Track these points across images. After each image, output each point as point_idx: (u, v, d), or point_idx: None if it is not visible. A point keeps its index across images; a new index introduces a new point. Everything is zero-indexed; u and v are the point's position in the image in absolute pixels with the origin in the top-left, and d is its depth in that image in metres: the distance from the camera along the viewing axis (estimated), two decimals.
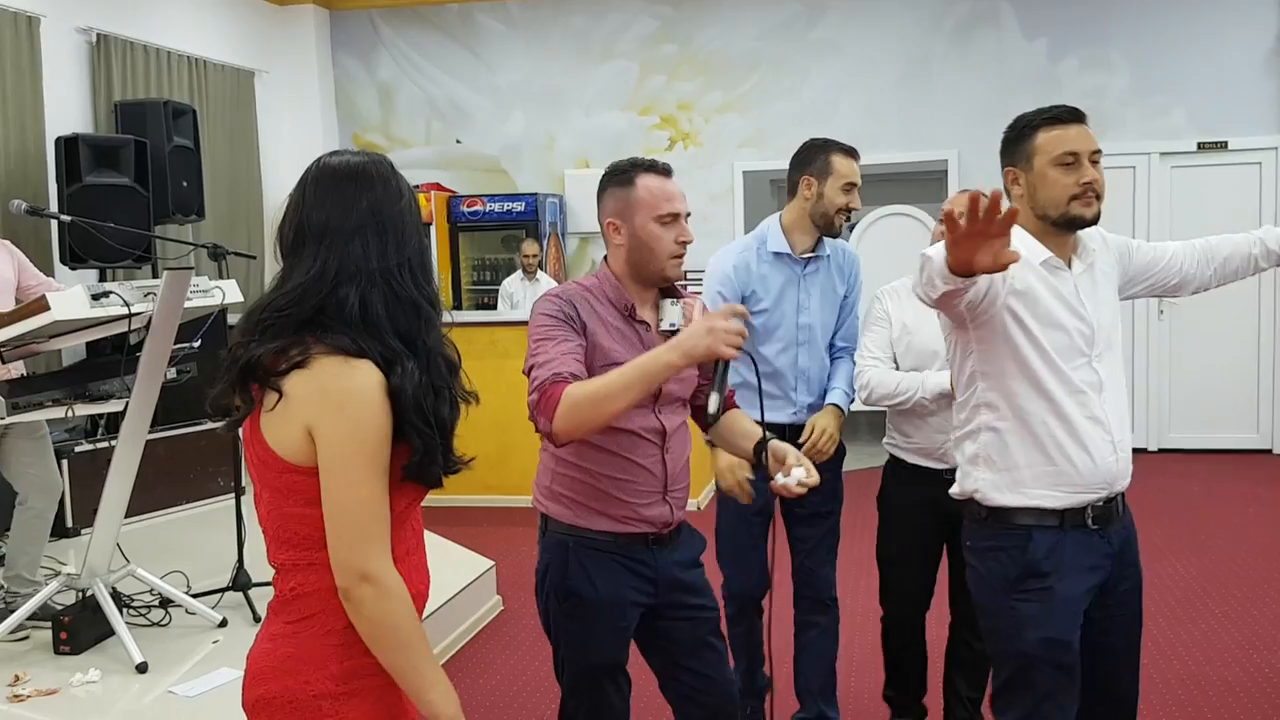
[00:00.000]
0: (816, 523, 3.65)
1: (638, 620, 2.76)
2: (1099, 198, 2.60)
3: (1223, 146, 8.75)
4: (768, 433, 2.68)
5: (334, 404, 1.72)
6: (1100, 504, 2.64)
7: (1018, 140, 2.66)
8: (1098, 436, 2.60)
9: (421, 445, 1.77)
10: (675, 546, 2.77)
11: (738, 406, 2.88)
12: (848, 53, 9.29)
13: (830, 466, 3.52)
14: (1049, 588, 2.59)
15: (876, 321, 3.61)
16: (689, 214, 2.68)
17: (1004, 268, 2.23)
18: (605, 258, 2.75)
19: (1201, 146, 8.80)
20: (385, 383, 1.75)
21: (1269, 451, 8.81)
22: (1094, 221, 2.61)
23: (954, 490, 2.77)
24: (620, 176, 2.68)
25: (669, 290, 2.73)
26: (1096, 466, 2.60)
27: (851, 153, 3.66)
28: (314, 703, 1.78)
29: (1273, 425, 8.83)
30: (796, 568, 3.72)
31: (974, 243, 2.17)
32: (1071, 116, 2.66)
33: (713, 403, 2.46)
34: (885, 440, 3.73)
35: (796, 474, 2.51)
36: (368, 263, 1.78)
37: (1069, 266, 2.63)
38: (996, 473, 2.64)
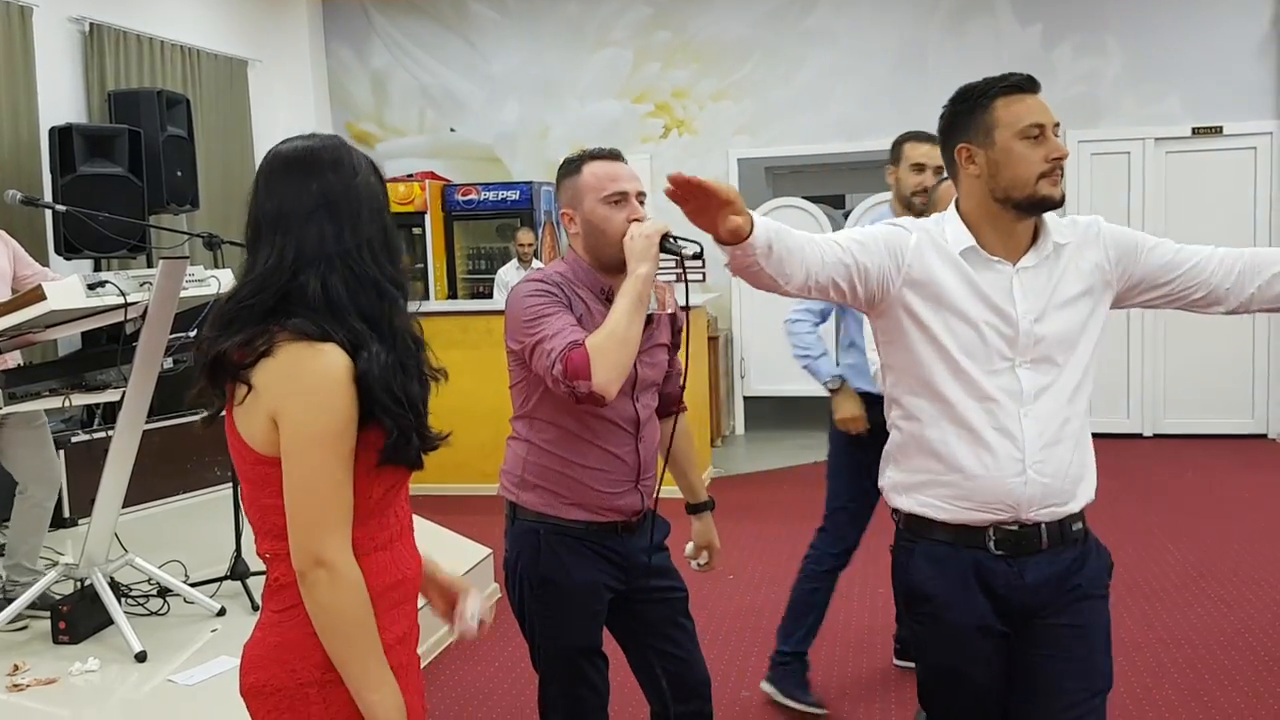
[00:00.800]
0: None
1: (609, 604, 2.78)
2: (1061, 174, 2.30)
3: (1218, 132, 8.75)
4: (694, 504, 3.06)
5: (296, 388, 1.72)
6: (1010, 527, 2.29)
7: (971, 113, 2.31)
8: (1003, 451, 2.27)
9: (395, 426, 1.77)
10: (643, 533, 2.80)
11: (684, 408, 2.99)
12: (842, 40, 9.28)
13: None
14: (935, 614, 2.35)
15: None
16: (642, 193, 2.69)
17: (721, 227, 2.07)
18: (570, 246, 2.78)
19: (1196, 132, 8.81)
20: (352, 366, 1.74)
21: (1263, 436, 8.83)
22: (1061, 203, 2.29)
23: None
24: (569, 166, 2.75)
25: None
26: (992, 483, 2.27)
27: (917, 136, 3.82)
28: (301, 690, 1.79)
29: (1268, 410, 8.85)
30: None
31: (707, 217, 2.06)
32: (1030, 85, 2.32)
33: (690, 248, 2.56)
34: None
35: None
36: (324, 246, 1.77)
37: (1016, 259, 2.31)
38: (900, 472, 2.41)
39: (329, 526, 1.73)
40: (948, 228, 2.32)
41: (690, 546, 3.03)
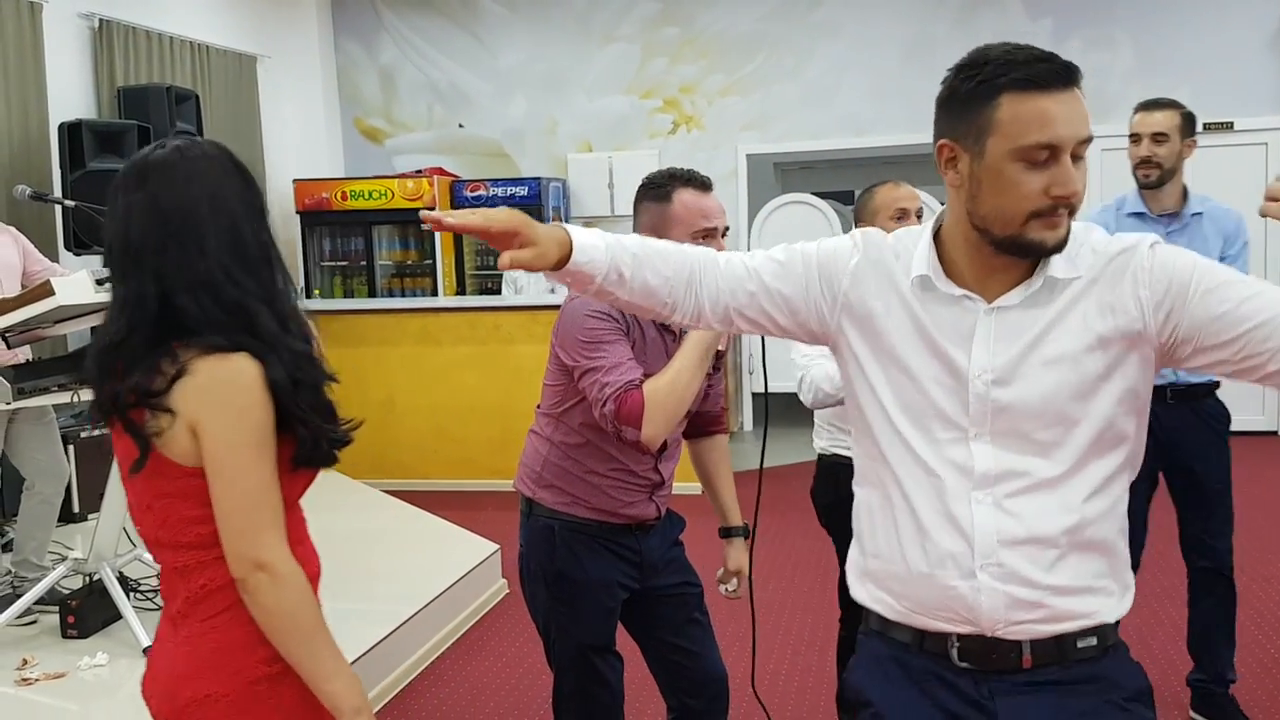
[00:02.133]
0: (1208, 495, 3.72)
1: (623, 601, 2.78)
2: (1072, 214, 1.66)
3: (1228, 127, 8.72)
4: (728, 528, 3.01)
5: (215, 399, 1.73)
6: (973, 638, 1.74)
7: (969, 101, 1.72)
8: (946, 544, 1.72)
9: (307, 432, 1.79)
10: (658, 532, 2.81)
11: (724, 429, 3.00)
12: (850, 34, 9.26)
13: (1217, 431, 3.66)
14: None
15: None
16: (727, 228, 2.63)
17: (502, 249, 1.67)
18: None
19: (1207, 127, 8.77)
20: (263, 374, 1.75)
21: (1275, 434, 8.81)
22: (1055, 250, 1.66)
23: None
24: (656, 190, 2.63)
25: None
26: (931, 584, 1.74)
27: (1146, 105, 3.88)
28: (249, 689, 1.79)
29: (1279, 406, 8.83)
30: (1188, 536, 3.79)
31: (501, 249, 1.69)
32: (1059, 78, 1.68)
33: None
34: (823, 442, 3.52)
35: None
36: (182, 274, 1.76)
37: (994, 295, 1.73)
38: (858, 551, 1.92)
39: (263, 528, 1.75)
40: (920, 245, 1.80)
41: (721, 572, 3.00)
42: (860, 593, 1.89)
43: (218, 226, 1.78)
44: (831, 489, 3.41)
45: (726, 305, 1.81)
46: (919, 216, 3.36)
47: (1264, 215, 1.94)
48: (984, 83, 1.69)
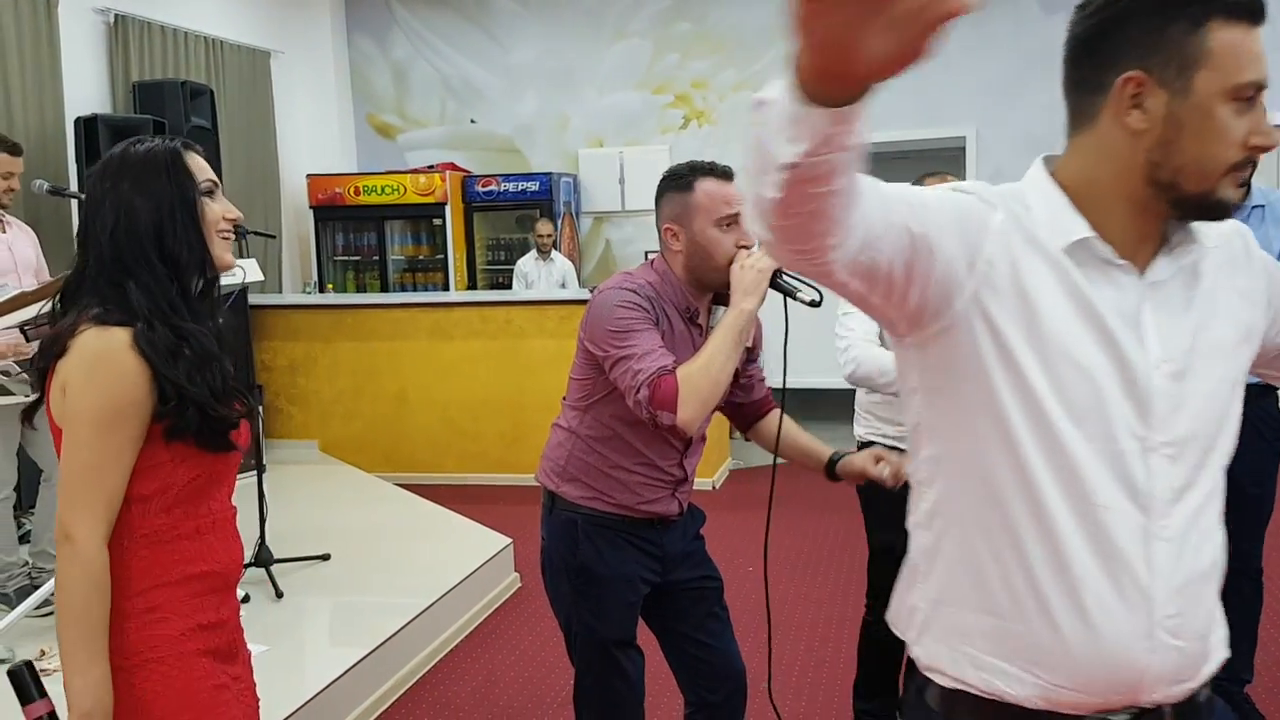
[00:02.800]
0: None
1: (644, 596, 2.80)
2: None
3: None
4: (836, 451, 2.74)
5: (81, 367, 1.79)
6: (1124, 711, 1.41)
7: (1167, 24, 1.36)
8: (1115, 596, 1.37)
9: (178, 404, 1.81)
10: (679, 526, 2.82)
11: (779, 407, 2.85)
12: None
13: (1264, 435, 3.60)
14: None
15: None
16: None
17: (921, 43, 1.05)
18: (661, 255, 2.70)
19: None
20: (134, 347, 1.80)
21: None
22: (1231, 213, 1.40)
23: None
24: (678, 181, 2.63)
25: (721, 297, 2.68)
26: (1095, 652, 1.37)
27: None
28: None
29: None
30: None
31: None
32: (1261, 12, 1.43)
33: (808, 294, 2.50)
34: (862, 429, 3.53)
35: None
36: (92, 253, 1.89)
37: (1143, 263, 1.41)
38: (930, 604, 1.50)
39: (80, 503, 1.77)
40: (1036, 202, 1.43)
41: (881, 469, 2.62)
42: (931, 650, 1.48)
43: (122, 214, 1.86)
44: None
45: (876, 257, 1.28)
46: None
47: None
48: (1190, 4, 1.35)
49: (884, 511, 3.49)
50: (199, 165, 1.96)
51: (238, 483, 2.09)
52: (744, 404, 2.86)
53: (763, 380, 2.89)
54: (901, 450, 2.98)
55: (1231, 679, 3.87)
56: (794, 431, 2.82)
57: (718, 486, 7.41)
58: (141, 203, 1.86)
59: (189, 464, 1.86)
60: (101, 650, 1.80)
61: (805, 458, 2.79)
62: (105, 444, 1.77)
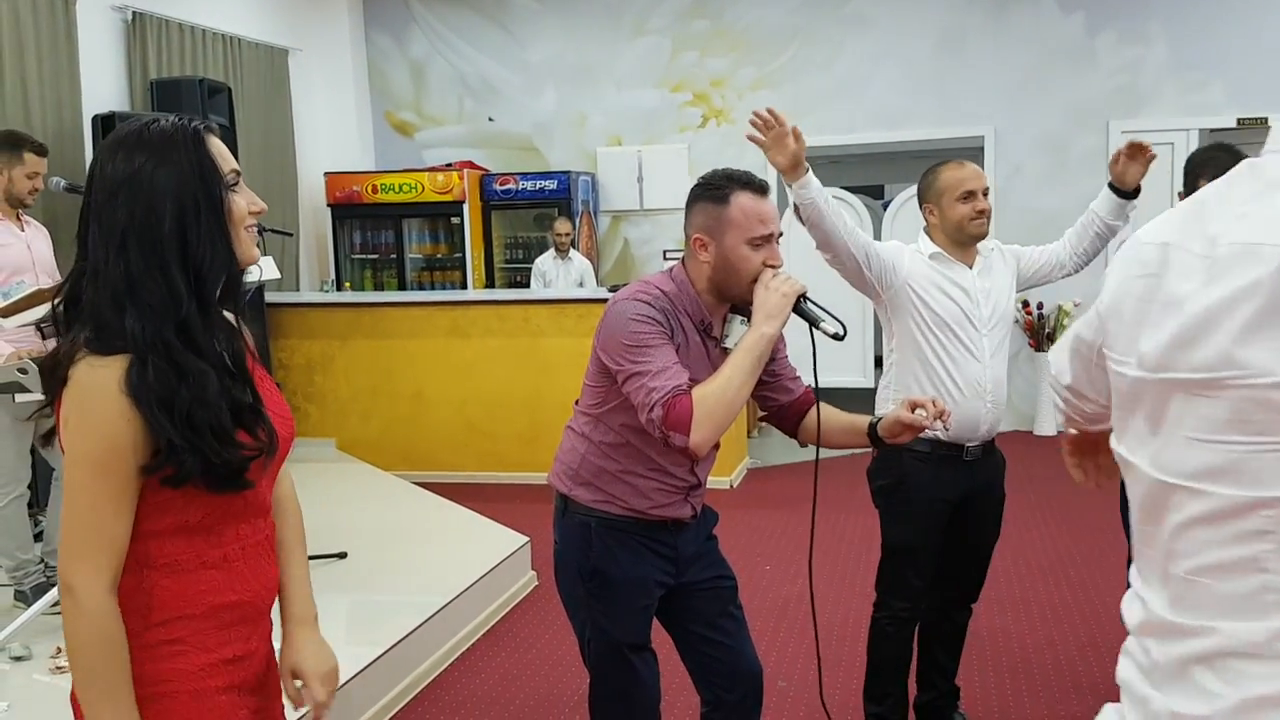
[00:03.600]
0: None
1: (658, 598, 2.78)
2: None
3: (1263, 123, 8.63)
4: (873, 418, 2.72)
5: (74, 406, 1.63)
6: None
7: None
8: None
9: (176, 449, 1.63)
10: (693, 528, 2.80)
11: (819, 401, 2.81)
12: (882, 26, 9.21)
13: None
14: None
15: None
16: (781, 234, 2.60)
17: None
18: (683, 263, 2.68)
19: (1241, 123, 8.69)
20: (124, 382, 1.62)
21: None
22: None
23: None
24: (715, 191, 2.59)
25: (738, 307, 2.67)
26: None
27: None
28: None
29: None
30: None
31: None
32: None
33: (832, 326, 2.50)
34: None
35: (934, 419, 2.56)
36: (110, 269, 1.65)
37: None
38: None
39: (78, 553, 1.64)
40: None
41: (918, 414, 2.59)
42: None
43: (139, 207, 1.65)
44: (893, 468, 3.45)
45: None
46: (986, 195, 3.37)
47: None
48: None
49: (900, 511, 3.48)
50: (222, 152, 1.74)
51: None
52: (786, 404, 2.83)
53: (796, 377, 2.86)
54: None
55: None
56: (834, 415, 2.80)
57: (735, 485, 7.39)
58: (164, 191, 1.64)
59: (201, 501, 1.71)
60: (126, 701, 1.67)
61: (850, 436, 2.77)
62: (100, 488, 1.63)
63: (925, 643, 3.72)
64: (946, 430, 2.74)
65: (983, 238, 3.41)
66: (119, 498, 1.65)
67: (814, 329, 2.52)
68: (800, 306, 2.52)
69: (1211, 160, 3.61)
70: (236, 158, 6.38)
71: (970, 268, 3.40)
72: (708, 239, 2.58)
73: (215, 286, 1.70)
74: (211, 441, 1.65)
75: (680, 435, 2.37)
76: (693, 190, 2.64)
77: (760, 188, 2.57)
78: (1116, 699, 1.42)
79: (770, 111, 3.01)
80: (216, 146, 1.73)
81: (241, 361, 1.75)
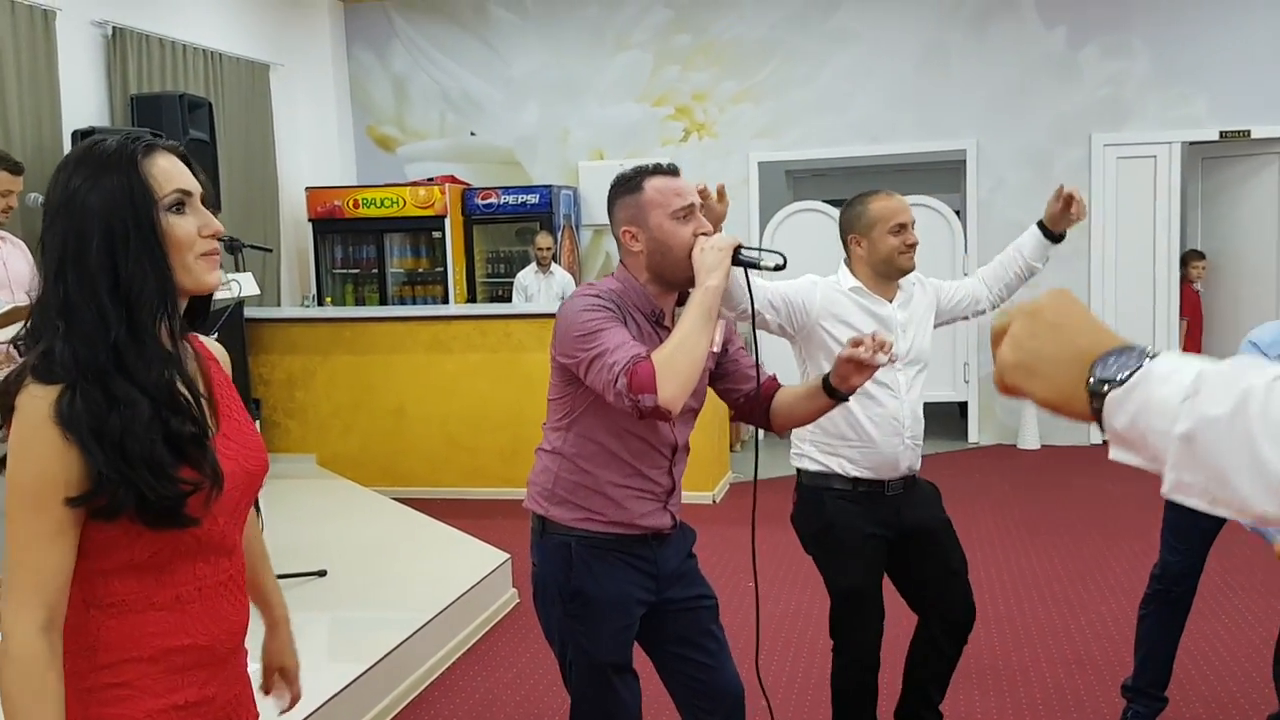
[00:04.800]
0: None
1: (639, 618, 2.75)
2: None
3: (1245, 136, 8.67)
4: (825, 375, 2.69)
5: (15, 434, 1.56)
6: None
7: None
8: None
9: (106, 482, 1.55)
10: (673, 542, 2.77)
11: (776, 384, 2.83)
12: (864, 41, 9.23)
13: None
14: None
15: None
16: (702, 205, 2.67)
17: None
18: (621, 264, 2.71)
19: (1224, 135, 8.73)
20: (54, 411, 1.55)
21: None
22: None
23: None
24: (628, 183, 2.66)
25: (685, 298, 2.68)
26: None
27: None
28: None
29: None
30: None
31: None
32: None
33: (771, 260, 2.54)
34: (819, 454, 3.40)
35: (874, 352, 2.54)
36: (56, 291, 1.59)
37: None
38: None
39: (12, 589, 1.55)
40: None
41: (860, 351, 2.56)
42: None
43: (72, 233, 1.59)
44: (819, 513, 3.41)
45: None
46: (913, 227, 3.31)
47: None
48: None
49: (835, 555, 3.42)
50: (165, 172, 1.64)
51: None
52: (750, 393, 2.82)
53: (754, 365, 2.85)
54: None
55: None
56: (794, 389, 2.82)
57: (718, 500, 7.36)
58: (93, 214, 1.58)
59: (147, 538, 1.61)
60: None
61: (812, 400, 2.74)
62: (36, 522, 1.54)
63: (914, 676, 3.64)
64: (891, 361, 2.67)
65: (910, 271, 3.35)
66: (56, 533, 1.55)
67: (758, 270, 2.58)
68: (738, 257, 2.55)
69: None
70: (216, 173, 6.35)
71: (890, 301, 3.36)
72: (635, 228, 2.62)
73: (150, 313, 1.60)
74: (145, 474, 1.56)
75: (649, 395, 2.36)
76: (610, 193, 2.70)
77: (670, 169, 2.65)
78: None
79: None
80: (159, 166, 1.64)
81: (191, 390, 1.66)
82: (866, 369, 2.58)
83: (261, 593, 2.04)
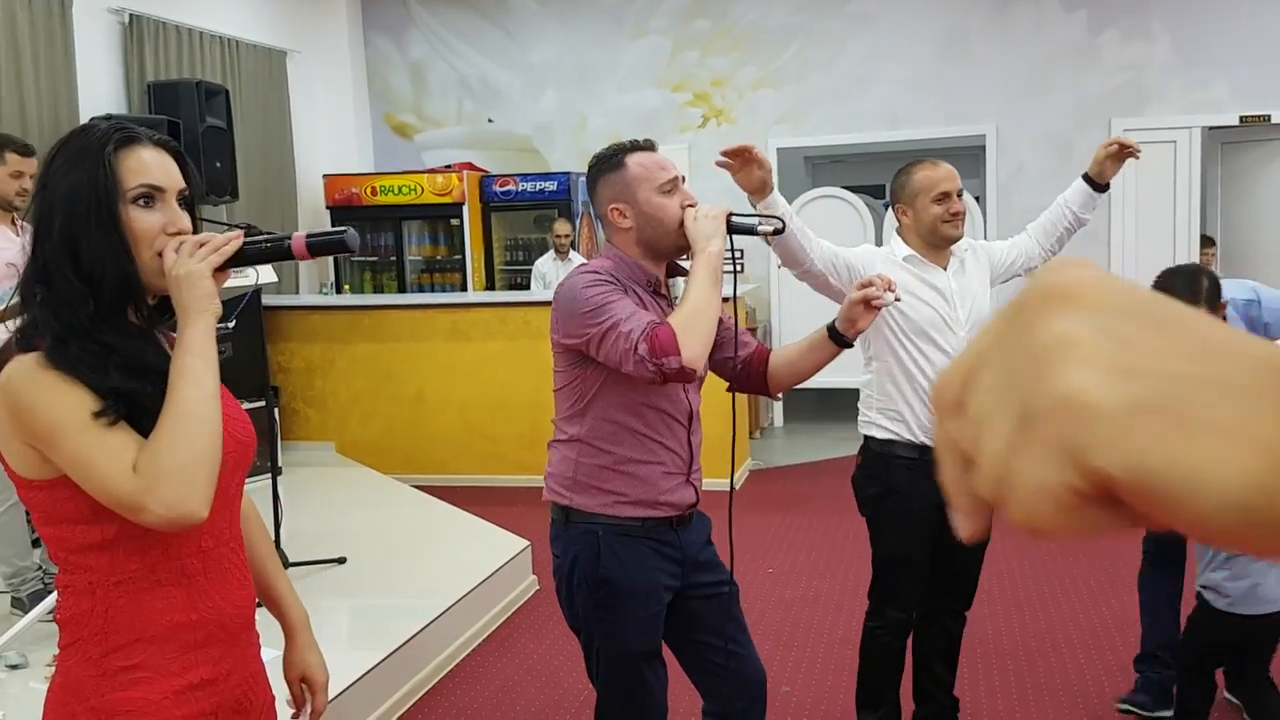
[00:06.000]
0: None
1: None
2: None
3: (1266, 120, 8.59)
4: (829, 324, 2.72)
5: (9, 404, 1.55)
6: None
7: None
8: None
9: (111, 395, 1.56)
10: (693, 527, 2.76)
11: (766, 350, 2.89)
12: (884, 25, 9.18)
13: None
14: None
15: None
16: (684, 177, 2.69)
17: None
18: (609, 242, 2.72)
19: (1244, 120, 8.65)
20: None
21: None
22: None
23: None
24: (609, 161, 2.68)
25: (675, 269, 2.72)
26: None
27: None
28: None
29: None
30: None
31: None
32: None
33: (768, 224, 2.61)
34: (886, 420, 3.41)
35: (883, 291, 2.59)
36: (34, 268, 1.61)
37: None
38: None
39: (125, 469, 1.54)
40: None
41: (869, 292, 2.63)
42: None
43: (46, 211, 1.61)
44: (881, 477, 3.42)
45: None
46: (960, 196, 3.32)
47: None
48: None
49: (891, 520, 3.44)
50: (137, 165, 1.62)
51: (252, 485, 1.92)
52: (744, 362, 2.84)
53: (745, 330, 2.90)
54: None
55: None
56: (792, 346, 2.84)
57: (738, 487, 7.35)
58: (61, 198, 1.59)
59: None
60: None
61: (817, 351, 2.76)
62: (91, 434, 1.52)
63: (921, 656, 3.65)
64: (898, 300, 2.71)
65: (957, 239, 3.35)
66: (109, 426, 1.53)
67: (754, 235, 2.62)
68: (732, 224, 2.56)
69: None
70: (234, 160, 6.36)
71: (945, 269, 3.36)
72: (622, 205, 2.63)
73: (114, 299, 1.60)
74: (156, 380, 1.57)
75: (673, 357, 2.37)
76: (589, 174, 2.73)
77: (648, 145, 2.70)
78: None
79: (737, 148, 3.03)
80: (134, 159, 1.62)
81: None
82: (873, 310, 2.63)
83: (274, 597, 2.01)
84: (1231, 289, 3.62)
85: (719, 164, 3.09)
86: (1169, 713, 3.80)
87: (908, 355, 3.31)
